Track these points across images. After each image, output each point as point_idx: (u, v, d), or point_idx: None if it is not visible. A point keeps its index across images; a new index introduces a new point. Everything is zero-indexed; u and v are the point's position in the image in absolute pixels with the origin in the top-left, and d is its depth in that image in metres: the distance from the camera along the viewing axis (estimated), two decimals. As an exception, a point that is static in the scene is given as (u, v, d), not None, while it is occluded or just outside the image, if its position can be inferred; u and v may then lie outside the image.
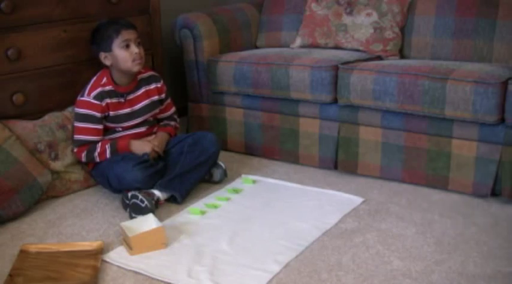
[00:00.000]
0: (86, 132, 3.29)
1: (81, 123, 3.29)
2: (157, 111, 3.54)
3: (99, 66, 3.63)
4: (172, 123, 3.64)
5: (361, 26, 3.83)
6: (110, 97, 3.31)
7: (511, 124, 3.04)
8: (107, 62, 3.31)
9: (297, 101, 3.63)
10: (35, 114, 3.40)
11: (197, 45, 3.98)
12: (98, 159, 3.30)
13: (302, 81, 3.54)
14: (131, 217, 3.04)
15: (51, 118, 3.42)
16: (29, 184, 3.15)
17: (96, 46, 3.34)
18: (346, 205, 3.16)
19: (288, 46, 4.14)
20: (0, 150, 3.11)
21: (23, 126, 3.30)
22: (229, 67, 3.80)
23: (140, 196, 3.03)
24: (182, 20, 4.02)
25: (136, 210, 3.03)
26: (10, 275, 2.54)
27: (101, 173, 3.34)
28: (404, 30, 3.83)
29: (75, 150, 3.35)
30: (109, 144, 3.29)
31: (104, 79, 3.32)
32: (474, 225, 2.94)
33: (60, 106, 3.50)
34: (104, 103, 3.28)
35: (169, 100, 3.64)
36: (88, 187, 3.49)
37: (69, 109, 3.51)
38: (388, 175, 3.46)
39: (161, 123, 3.61)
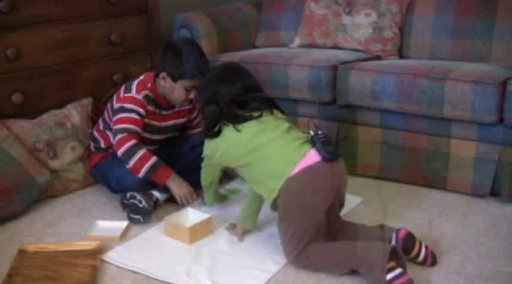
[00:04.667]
0: (129, 120, 3.12)
1: (124, 113, 3.13)
2: (177, 132, 3.49)
3: (97, 65, 3.64)
4: None
5: (360, 25, 3.82)
6: (151, 104, 3.22)
7: (509, 124, 3.04)
8: (162, 83, 3.17)
9: (296, 101, 3.63)
10: (34, 114, 3.40)
11: (196, 44, 3.98)
12: (134, 161, 3.03)
13: (301, 81, 3.54)
14: (129, 218, 3.04)
15: (50, 117, 3.41)
16: (27, 184, 3.15)
17: (164, 65, 3.16)
18: (345, 204, 3.15)
19: (286, 46, 4.13)
20: (-2, 150, 3.12)
21: (21, 125, 3.29)
22: (228, 67, 3.80)
23: (138, 197, 3.02)
24: (181, 20, 4.03)
25: (134, 210, 3.03)
26: (9, 274, 2.54)
27: (101, 172, 3.34)
28: (403, 30, 3.83)
29: (118, 138, 3.09)
30: (154, 160, 3.06)
31: (149, 85, 3.22)
32: (473, 225, 2.94)
33: (60, 106, 3.50)
34: (147, 107, 3.20)
35: (200, 118, 3.51)
36: (87, 186, 3.48)
37: (68, 106, 3.51)
38: (387, 175, 3.47)
39: None
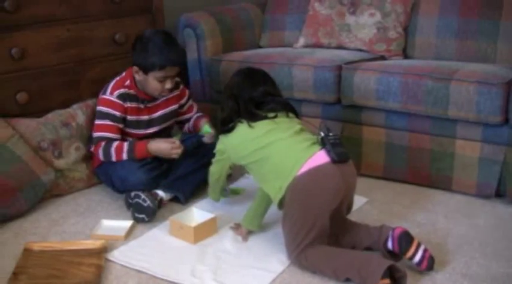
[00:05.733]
0: (105, 128, 3.22)
1: (100, 120, 3.24)
2: (173, 120, 3.52)
3: (102, 65, 3.64)
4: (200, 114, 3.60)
5: (365, 25, 3.82)
6: (131, 100, 3.25)
7: (515, 125, 3.04)
8: (137, 77, 3.21)
9: (300, 101, 3.62)
10: (39, 113, 3.40)
11: (200, 44, 3.98)
12: (114, 156, 3.19)
13: (305, 81, 3.54)
14: (134, 217, 3.04)
15: (55, 116, 3.41)
16: (32, 183, 3.15)
17: (135, 57, 3.19)
18: (350, 205, 3.16)
19: (291, 46, 4.13)
20: (4, 149, 3.11)
21: (27, 124, 3.30)
22: (232, 66, 3.79)
23: (143, 196, 3.02)
24: (185, 20, 4.02)
25: (138, 210, 3.03)
26: (14, 273, 2.55)
27: (104, 172, 3.33)
28: (407, 30, 3.83)
29: (93, 148, 3.28)
30: (127, 142, 3.21)
31: (128, 82, 3.25)
32: (478, 226, 2.94)
33: (64, 106, 3.50)
34: (125, 105, 3.23)
35: (191, 102, 3.58)
36: (91, 185, 3.49)
37: (74, 106, 3.51)
38: (392, 175, 3.47)
39: (195, 116, 3.58)
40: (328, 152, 2.54)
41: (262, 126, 2.72)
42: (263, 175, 2.70)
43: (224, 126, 2.82)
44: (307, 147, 2.60)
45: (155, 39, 3.15)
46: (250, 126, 2.72)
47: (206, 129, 3.30)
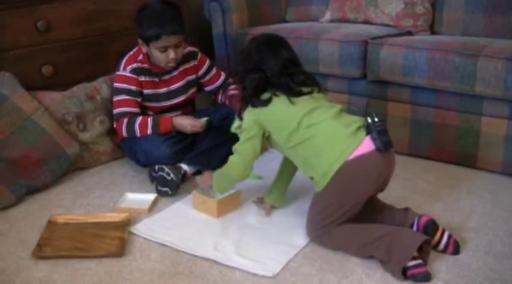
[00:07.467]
0: (123, 103, 3.23)
1: (118, 96, 3.25)
2: (194, 90, 3.51)
3: (128, 38, 3.64)
4: (236, 92, 3.44)
5: (392, 0, 3.78)
6: (144, 75, 3.25)
7: (542, 103, 3.01)
8: (143, 49, 3.22)
9: (326, 76, 3.61)
10: (64, 86, 3.42)
11: (226, 18, 3.97)
12: (138, 132, 3.19)
13: (331, 56, 3.52)
14: (157, 190, 3.06)
15: (80, 89, 3.43)
16: (57, 155, 3.18)
17: (138, 28, 3.18)
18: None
19: (317, 20, 4.11)
20: (29, 121, 3.13)
21: (52, 97, 3.31)
22: (258, 41, 3.78)
23: (167, 169, 3.03)
24: (211, -7, 4.01)
25: (162, 183, 3.04)
26: (38, 244, 2.57)
27: (128, 146, 3.34)
28: (435, 5, 3.78)
29: (115, 125, 3.28)
30: (151, 118, 3.21)
31: (140, 56, 3.26)
32: (502, 204, 2.91)
33: (89, 79, 3.52)
34: (139, 78, 3.24)
35: (215, 70, 3.54)
36: (116, 159, 3.52)
37: (99, 80, 3.52)
38: (416, 151, 3.44)
39: (228, 94, 3.49)
40: (374, 140, 2.45)
41: (304, 102, 2.55)
42: (304, 159, 2.56)
43: (257, 99, 2.59)
44: (353, 133, 2.48)
45: (152, 9, 3.15)
46: (291, 101, 2.53)
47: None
